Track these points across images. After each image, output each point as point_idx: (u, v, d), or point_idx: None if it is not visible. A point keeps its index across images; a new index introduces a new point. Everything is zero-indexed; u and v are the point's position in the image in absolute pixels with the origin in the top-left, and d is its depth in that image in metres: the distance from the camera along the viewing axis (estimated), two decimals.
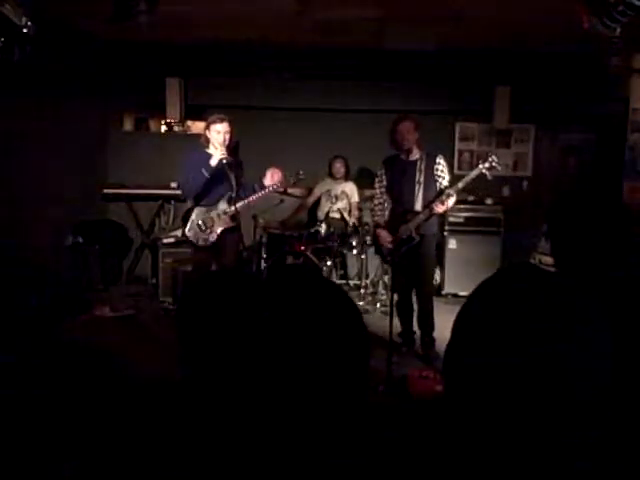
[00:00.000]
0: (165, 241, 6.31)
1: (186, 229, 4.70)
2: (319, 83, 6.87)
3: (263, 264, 5.96)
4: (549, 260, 6.00)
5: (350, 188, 6.46)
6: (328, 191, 6.43)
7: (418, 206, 4.50)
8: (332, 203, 6.29)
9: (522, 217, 6.72)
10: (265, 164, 4.56)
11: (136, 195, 6.90)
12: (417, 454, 0.91)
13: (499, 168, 4.51)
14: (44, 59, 4.80)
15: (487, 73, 6.68)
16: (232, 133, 4.56)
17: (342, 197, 6.32)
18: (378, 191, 4.78)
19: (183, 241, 4.89)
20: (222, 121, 4.51)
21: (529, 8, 4.67)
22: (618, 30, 3.69)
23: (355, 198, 6.45)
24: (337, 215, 6.17)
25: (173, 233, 6.18)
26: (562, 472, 0.73)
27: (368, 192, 6.26)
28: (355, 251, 6.32)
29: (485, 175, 4.42)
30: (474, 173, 4.44)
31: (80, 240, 6.33)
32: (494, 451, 0.75)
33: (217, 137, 4.49)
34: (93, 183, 6.78)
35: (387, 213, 4.73)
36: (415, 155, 4.55)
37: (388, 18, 5.18)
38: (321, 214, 6.39)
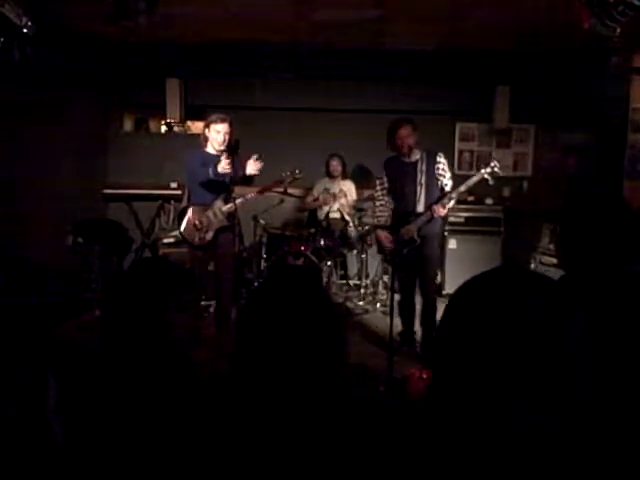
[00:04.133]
0: (165, 241, 6.31)
1: (181, 228, 4.67)
2: (319, 83, 6.88)
3: (263, 264, 5.96)
4: (549, 260, 5.96)
5: (348, 186, 6.46)
6: (326, 190, 6.42)
7: (420, 207, 4.48)
8: (331, 202, 6.29)
9: (522, 217, 6.72)
10: (264, 164, 4.55)
11: (136, 195, 6.90)
12: (417, 454, 0.91)
13: (501, 173, 4.47)
14: (44, 59, 4.80)
15: (487, 73, 6.68)
16: (232, 134, 4.47)
17: (340, 195, 6.31)
18: (380, 192, 4.75)
19: (183, 241, 4.87)
20: (223, 121, 4.42)
21: (529, 8, 4.67)
22: (618, 30, 3.69)
23: (353, 196, 6.45)
24: (337, 215, 6.17)
25: (173, 233, 6.17)
26: (551, 469, 0.73)
27: (367, 192, 6.26)
28: (355, 251, 6.31)
29: (487, 180, 4.41)
30: (476, 178, 4.40)
31: (80, 240, 6.32)
32: (480, 447, 0.75)
33: (216, 137, 4.41)
34: (93, 183, 6.78)
35: (389, 214, 4.72)
36: (415, 156, 4.53)
37: (388, 18, 5.18)
38: (321, 214, 6.39)
